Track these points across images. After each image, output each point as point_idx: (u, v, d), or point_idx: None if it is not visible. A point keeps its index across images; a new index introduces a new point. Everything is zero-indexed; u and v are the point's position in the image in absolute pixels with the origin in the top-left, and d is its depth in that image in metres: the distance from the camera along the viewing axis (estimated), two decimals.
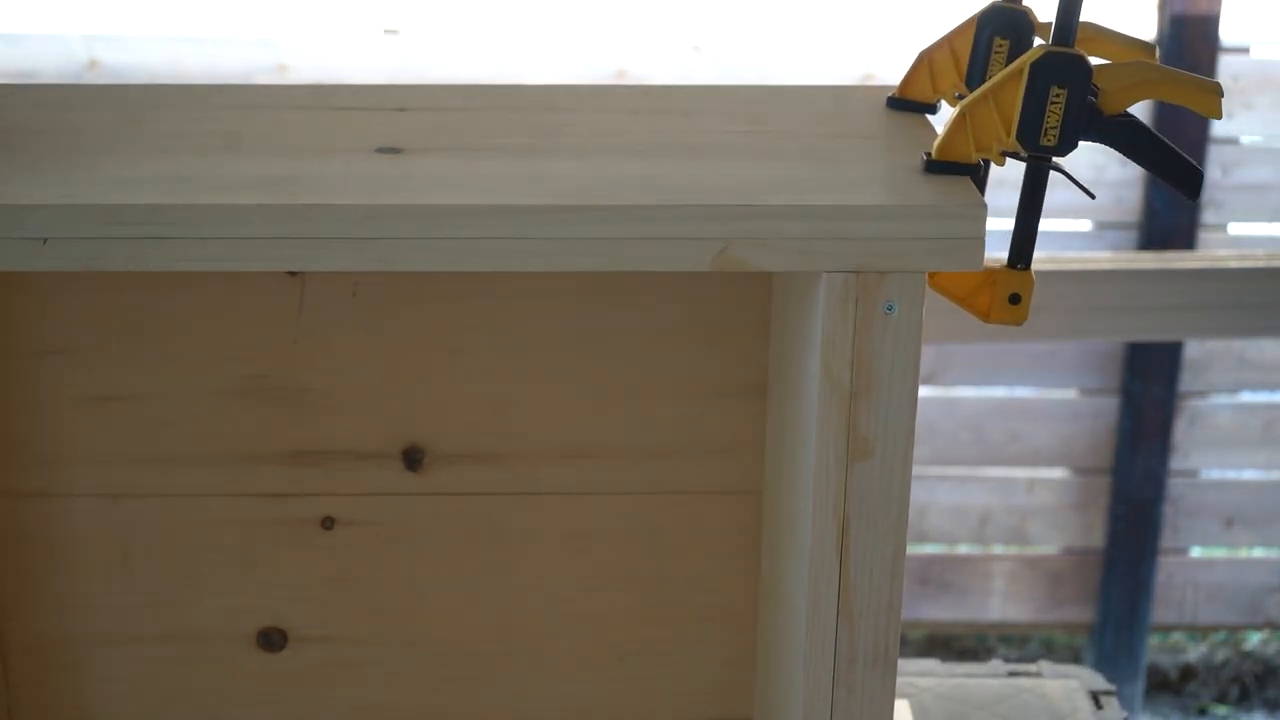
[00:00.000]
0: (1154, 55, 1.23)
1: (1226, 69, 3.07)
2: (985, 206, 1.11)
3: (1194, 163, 1.16)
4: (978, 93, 1.14)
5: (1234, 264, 2.88)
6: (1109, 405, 3.30)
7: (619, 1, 3.13)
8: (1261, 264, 2.86)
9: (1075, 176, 1.20)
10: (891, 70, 3.01)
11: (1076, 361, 3.29)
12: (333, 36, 3.12)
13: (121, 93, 1.34)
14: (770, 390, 1.38)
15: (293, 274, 1.35)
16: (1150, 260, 2.98)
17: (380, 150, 1.19)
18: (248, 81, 3.04)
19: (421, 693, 1.48)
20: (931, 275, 1.15)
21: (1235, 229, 3.25)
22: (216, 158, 1.17)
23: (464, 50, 3.12)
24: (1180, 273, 2.88)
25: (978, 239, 1.10)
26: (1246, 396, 3.35)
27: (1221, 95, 1.15)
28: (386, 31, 3.14)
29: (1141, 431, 3.28)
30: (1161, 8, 3.10)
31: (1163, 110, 2.98)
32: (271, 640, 1.45)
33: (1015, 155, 1.15)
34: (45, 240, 1.08)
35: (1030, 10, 1.24)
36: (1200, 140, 3.09)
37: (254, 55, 3.11)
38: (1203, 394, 3.30)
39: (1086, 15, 1.17)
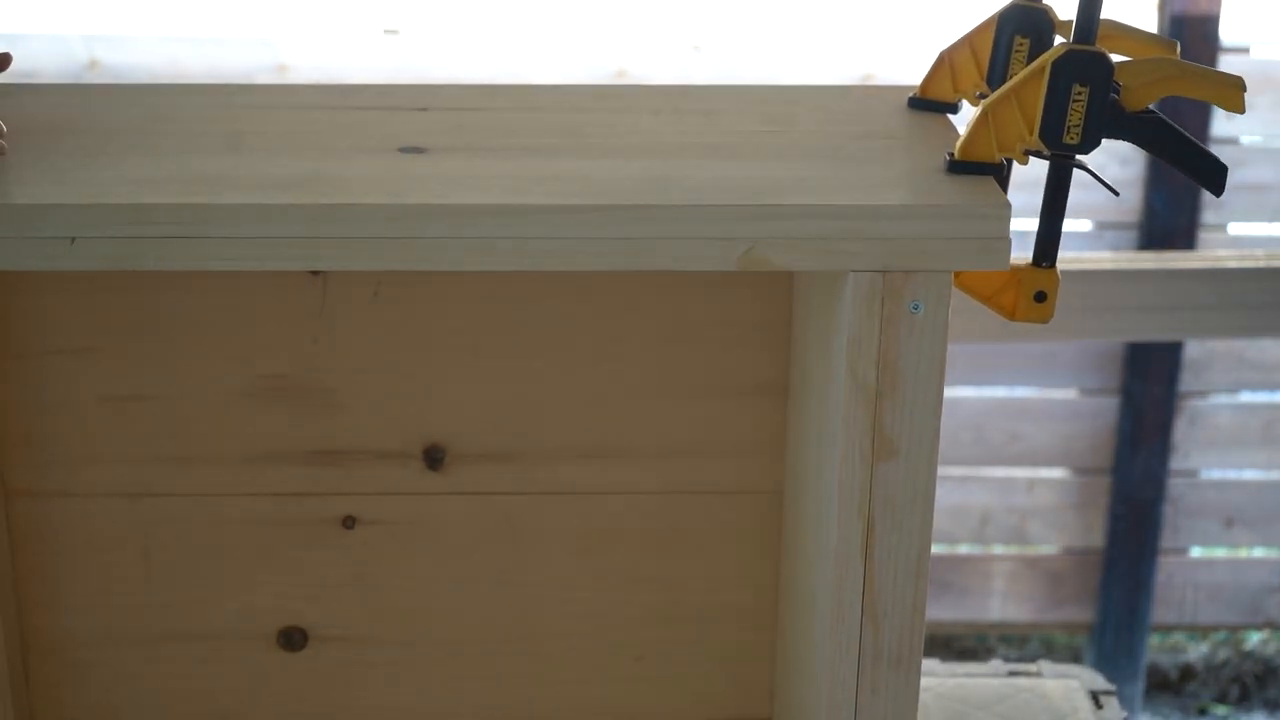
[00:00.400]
0: (1175, 52, 1.23)
1: (1226, 69, 3.06)
2: (1009, 206, 1.11)
3: (1217, 158, 1.17)
4: (1000, 92, 1.15)
5: (1234, 264, 2.89)
6: (1109, 405, 3.30)
7: (619, 1, 3.13)
8: (1261, 264, 2.87)
9: (1099, 174, 1.20)
10: (891, 71, 3.01)
11: (1076, 361, 3.29)
12: (333, 36, 3.12)
13: (141, 92, 1.34)
14: (791, 390, 1.38)
15: (314, 273, 1.35)
16: (1150, 260, 2.98)
17: (404, 150, 1.19)
18: (248, 81, 3.04)
19: (440, 691, 1.48)
20: (956, 274, 1.15)
21: (1235, 229, 3.25)
22: (240, 157, 1.17)
23: (464, 50, 3.12)
24: (1180, 273, 2.89)
25: (1004, 239, 1.11)
26: (1246, 396, 3.35)
27: (1244, 89, 1.16)
28: (386, 31, 3.14)
29: (1141, 431, 3.28)
30: (1161, 8, 3.10)
31: (1162, 109, 2.98)
32: (292, 639, 1.45)
33: (1038, 154, 1.16)
34: (73, 240, 1.08)
35: (1050, 8, 1.24)
36: (1200, 140, 3.09)
37: (254, 55, 3.11)
38: (1203, 394, 3.31)
39: (1104, 13, 1.18)
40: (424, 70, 3.10)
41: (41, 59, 3.10)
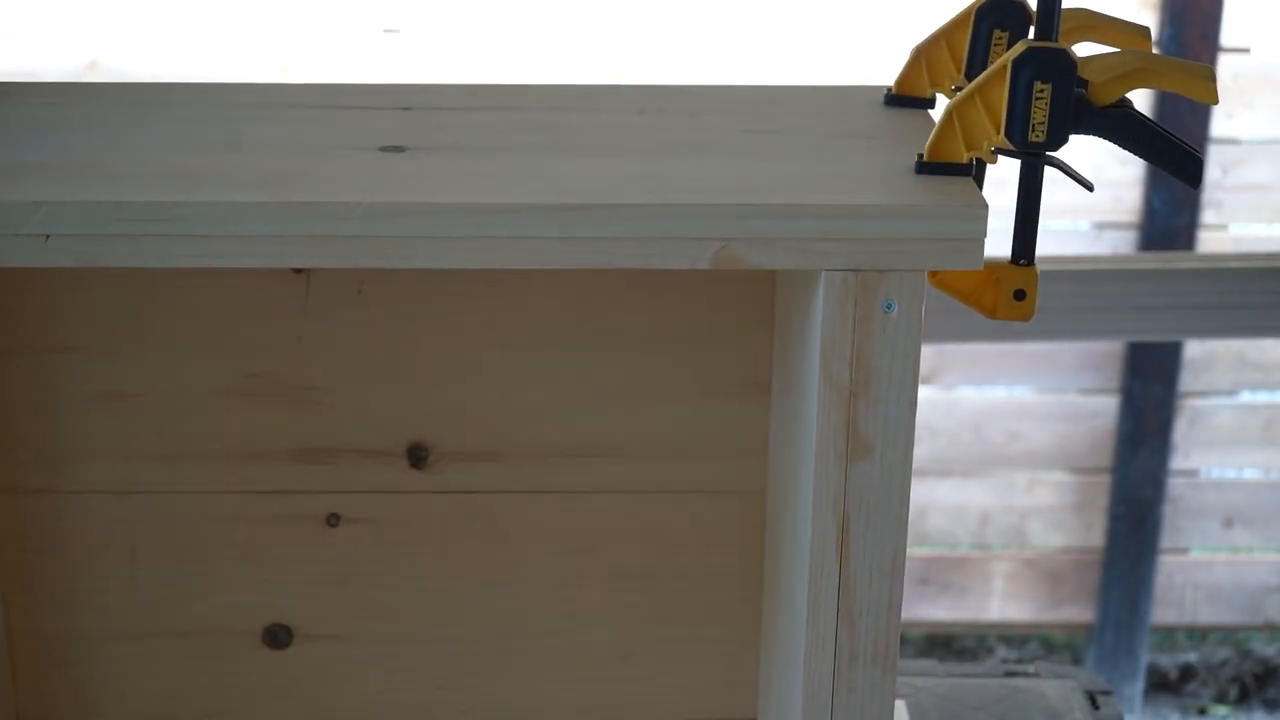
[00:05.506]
0: (1148, 39, 1.23)
1: (1226, 69, 3.07)
2: (986, 206, 1.11)
3: (1192, 149, 1.15)
4: (964, 92, 1.14)
5: (1234, 264, 2.88)
6: (1109, 405, 3.30)
7: (619, 1, 3.13)
8: (1261, 264, 2.87)
9: (1073, 169, 1.20)
10: (892, 73, 3.01)
11: (1076, 361, 3.29)
12: (333, 36, 3.12)
13: (124, 90, 1.34)
14: (774, 390, 1.39)
15: (297, 271, 1.36)
16: (1150, 260, 2.98)
17: (384, 148, 1.19)
18: (248, 81, 3.05)
19: (425, 690, 1.48)
20: (935, 273, 1.15)
21: (1235, 229, 3.25)
22: (220, 155, 1.18)
23: (464, 50, 3.12)
24: (1180, 273, 2.89)
25: (977, 239, 1.10)
26: (1246, 396, 3.35)
27: (1214, 79, 1.15)
28: (386, 31, 3.14)
29: (1141, 431, 3.28)
30: (1161, 8, 3.10)
31: (1161, 109, 2.98)
32: (276, 637, 1.46)
33: (1008, 152, 1.15)
34: (48, 237, 1.08)
35: (1025, 1, 1.24)
36: (1200, 140, 3.09)
37: (254, 55, 3.12)
38: (1203, 394, 3.30)
39: (1082, 2, 1.17)
40: (424, 70, 3.11)
41: (41, 59, 3.10)
